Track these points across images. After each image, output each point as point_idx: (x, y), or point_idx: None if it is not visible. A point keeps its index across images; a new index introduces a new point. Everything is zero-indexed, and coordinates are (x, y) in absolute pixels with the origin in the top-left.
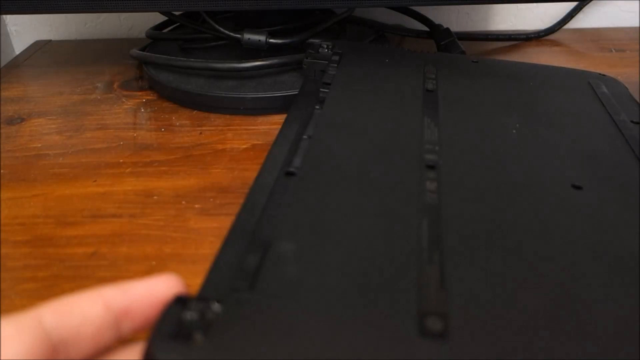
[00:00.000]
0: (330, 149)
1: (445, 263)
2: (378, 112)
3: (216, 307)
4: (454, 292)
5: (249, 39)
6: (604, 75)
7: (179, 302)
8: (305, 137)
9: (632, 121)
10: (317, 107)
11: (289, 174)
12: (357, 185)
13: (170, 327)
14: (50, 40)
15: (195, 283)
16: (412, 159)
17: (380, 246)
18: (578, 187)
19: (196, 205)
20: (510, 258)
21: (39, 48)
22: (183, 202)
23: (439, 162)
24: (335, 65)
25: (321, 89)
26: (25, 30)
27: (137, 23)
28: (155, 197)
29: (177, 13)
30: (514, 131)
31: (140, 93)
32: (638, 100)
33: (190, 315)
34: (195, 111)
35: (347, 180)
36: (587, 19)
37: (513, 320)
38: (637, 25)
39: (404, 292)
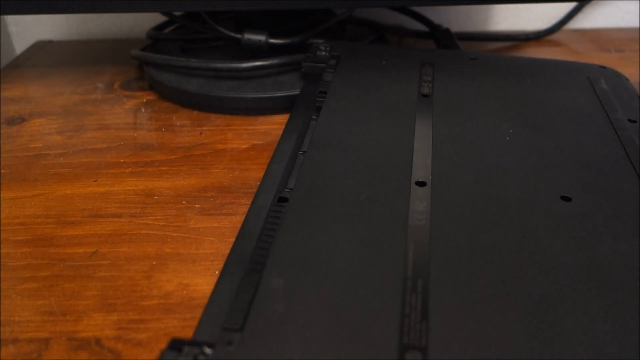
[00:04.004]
0: (322, 168)
1: (429, 292)
2: (371, 124)
3: (208, 351)
4: (436, 323)
5: (249, 39)
6: (604, 67)
7: (174, 346)
8: (301, 152)
9: (629, 119)
10: (313, 117)
11: (282, 199)
12: (346, 211)
13: None
14: (51, 41)
15: (195, 283)
16: (403, 176)
17: (367, 277)
18: (567, 199)
19: (196, 205)
20: (494, 284)
21: (40, 48)
22: (183, 202)
23: (429, 178)
24: (332, 70)
25: (318, 98)
26: (26, 30)
27: (137, 23)
28: (155, 197)
29: (177, 13)
30: (507, 138)
31: (140, 93)
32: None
33: None
34: (196, 111)
35: (336, 205)
36: (587, 19)
37: (492, 352)
38: (637, 25)
39: (387, 326)
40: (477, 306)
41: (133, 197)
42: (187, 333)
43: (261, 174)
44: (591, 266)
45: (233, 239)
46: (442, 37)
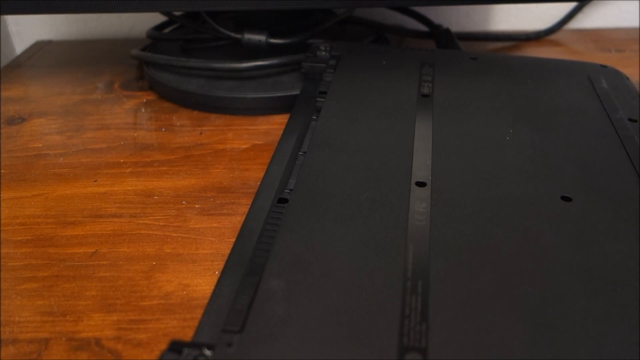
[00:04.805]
0: (322, 168)
1: (428, 293)
2: (371, 125)
3: (207, 353)
4: (436, 325)
5: (249, 39)
6: (605, 66)
7: (174, 348)
8: (301, 153)
9: (629, 119)
10: (313, 117)
11: (282, 200)
12: (346, 211)
13: None
14: (51, 41)
15: (195, 283)
16: (403, 176)
17: (366, 278)
18: (568, 199)
19: (196, 205)
20: (494, 284)
21: (40, 48)
22: (183, 202)
23: (429, 178)
24: (332, 71)
25: (318, 98)
26: (26, 30)
27: (137, 23)
28: (155, 197)
29: (177, 13)
30: (508, 138)
31: (140, 93)
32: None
33: None
34: (196, 111)
35: (336, 206)
36: (587, 19)
37: (492, 353)
38: (637, 25)
39: (387, 327)
40: (477, 307)
41: (133, 197)
42: (187, 333)
43: (261, 174)
44: (591, 266)
45: (233, 239)
46: (442, 37)
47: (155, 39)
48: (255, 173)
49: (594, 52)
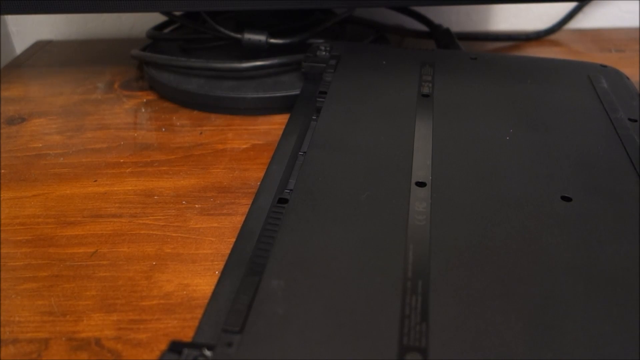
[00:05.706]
0: (322, 168)
1: (428, 293)
2: (371, 124)
3: (207, 353)
4: (436, 325)
5: (249, 39)
6: (605, 66)
7: (174, 348)
8: (301, 153)
9: (629, 119)
10: (313, 117)
11: (282, 200)
12: (346, 212)
13: None
14: (51, 40)
15: (195, 283)
16: (403, 176)
17: (366, 278)
18: (568, 199)
19: (196, 205)
20: (494, 284)
21: (40, 48)
22: (183, 202)
23: (429, 178)
24: (332, 70)
25: (318, 98)
26: (26, 30)
27: (137, 23)
28: (155, 197)
29: (177, 13)
30: (508, 138)
31: (140, 93)
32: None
33: None
34: (196, 111)
35: (336, 206)
36: (587, 19)
37: (492, 353)
38: (637, 25)
39: (387, 327)
40: (477, 307)
41: (133, 197)
42: (187, 333)
43: (261, 174)
44: (591, 266)
45: (233, 239)
46: (442, 37)
47: (155, 39)
48: (255, 173)
49: (594, 52)
